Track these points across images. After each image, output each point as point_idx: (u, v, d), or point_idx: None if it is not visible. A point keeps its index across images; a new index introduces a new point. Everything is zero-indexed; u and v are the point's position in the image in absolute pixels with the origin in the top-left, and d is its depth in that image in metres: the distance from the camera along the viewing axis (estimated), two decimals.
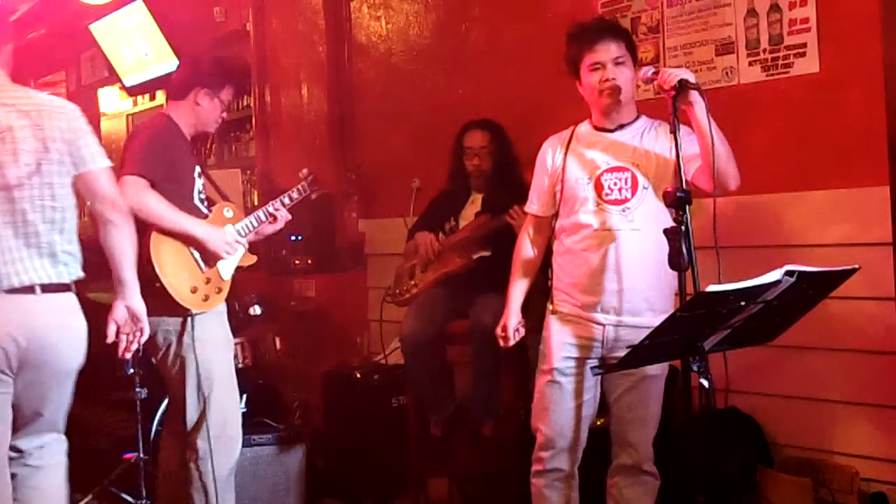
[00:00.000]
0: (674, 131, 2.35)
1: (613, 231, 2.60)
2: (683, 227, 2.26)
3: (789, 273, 1.86)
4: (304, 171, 3.57)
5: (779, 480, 3.08)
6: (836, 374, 3.14)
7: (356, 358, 4.65)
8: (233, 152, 6.35)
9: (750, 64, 3.36)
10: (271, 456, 3.77)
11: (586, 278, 2.64)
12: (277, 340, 4.16)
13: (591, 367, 2.63)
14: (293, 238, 4.82)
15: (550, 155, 2.77)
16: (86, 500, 3.95)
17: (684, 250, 2.25)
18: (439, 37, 4.61)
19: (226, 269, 3.15)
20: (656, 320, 2.58)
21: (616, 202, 2.61)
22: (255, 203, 5.68)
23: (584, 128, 2.76)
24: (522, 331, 2.85)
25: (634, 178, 2.61)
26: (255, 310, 4.25)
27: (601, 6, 3.84)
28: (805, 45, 3.21)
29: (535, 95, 3.83)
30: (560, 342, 2.71)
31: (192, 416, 3.09)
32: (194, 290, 3.02)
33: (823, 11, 3.16)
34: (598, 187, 2.63)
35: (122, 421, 4.62)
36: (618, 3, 3.78)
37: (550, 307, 2.77)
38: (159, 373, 3.23)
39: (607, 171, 2.64)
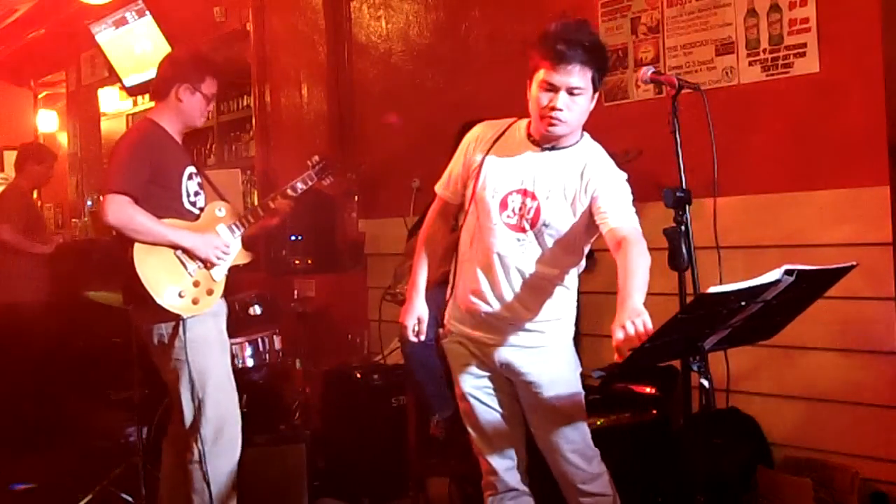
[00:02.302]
0: (673, 131, 2.34)
1: (503, 256, 2.43)
2: (683, 227, 2.26)
3: (788, 272, 1.86)
4: (315, 157, 3.47)
5: (779, 480, 3.07)
6: (837, 374, 3.14)
7: (356, 358, 4.65)
8: (233, 152, 6.36)
9: (750, 64, 3.36)
10: (271, 456, 3.77)
11: (473, 295, 2.50)
12: (277, 340, 4.16)
13: (593, 370, 2.59)
14: (293, 238, 4.82)
15: (475, 145, 2.53)
16: (86, 500, 3.95)
17: (684, 250, 2.25)
18: (439, 37, 4.61)
19: (218, 270, 3.14)
20: (537, 341, 2.52)
21: (513, 228, 2.42)
22: (256, 203, 5.68)
23: (521, 130, 2.50)
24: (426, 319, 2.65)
25: (538, 211, 2.40)
26: (255, 310, 4.25)
27: (601, 6, 3.84)
28: (805, 45, 3.21)
29: None
30: (459, 364, 2.60)
31: (188, 417, 3.09)
32: (182, 295, 3.02)
33: (823, 11, 3.16)
34: (503, 206, 2.42)
35: (122, 421, 4.62)
36: (618, 3, 3.78)
37: (444, 325, 2.62)
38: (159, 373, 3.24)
39: (517, 191, 2.42)
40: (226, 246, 3.14)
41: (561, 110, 2.30)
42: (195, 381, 3.06)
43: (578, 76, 2.28)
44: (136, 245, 2.98)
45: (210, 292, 3.10)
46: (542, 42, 2.33)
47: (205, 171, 3.40)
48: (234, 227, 3.22)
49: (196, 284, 3.06)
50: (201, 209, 3.20)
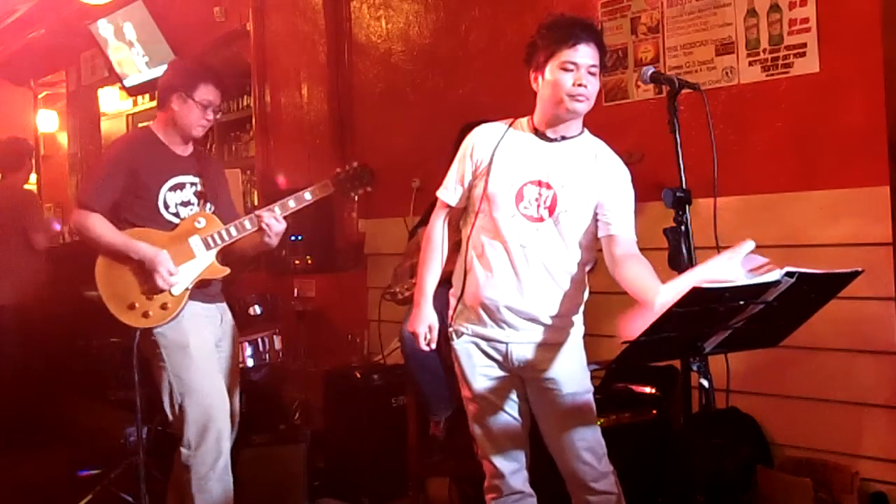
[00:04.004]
0: (673, 131, 2.34)
1: (523, 246, 2.47)
2: (683, 227, 2.26)
3: (789, 274, 1.85)
4: (355, 163, 3.35)
5: (779, 480, 3.07)
6: (837, 374, 3.14)
7: (356, 358, 4.65)
8: (233, 152, 6.36)
9: (750, 64, 3.36)
10: (271, 456, 3.78)
11: (492, 289, 2.50)
12: (277, 340, 4.16)
13: (589, 364, 2.61)
14: (293, 238, 4.82)
15: (479, 146, 2.57)
16: (86, 500, 3.95)
17: (684, 250, 2.25)
18: (439, 37, 4.61)
19: (177, 284, 3.07)
20: (555, 337, 2.53)
21: (531, 218, 2.47)
22: (255, 203, 5.69)
23: (523, 127, 2.57)
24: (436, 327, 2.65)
25: (555, 199, 2.47)
26: (255, 310, 4.25)
27: (601, 6, 3.84)
28: (805, 45, 3.20)
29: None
30: (471, 365, 2.60)
31: (171, 421, 3.12)
32: (132, 307, 3.02)
33: (823, 11, 3.16)
34: (519, 197, 2.48)
35: (121, 421, 4.62)
36: (618, 3, 3.78)
37: (451, 326, 2.61)
38: None
39: (532, 182, 2.48)
40: (170, 273, 3.03)
41: (586, 87, 2.40)
42: (173, 386, 3.07)
43: (593, 56, 2.42)
44: (101, 257, 3.05)
45: (164, 307, 3.05)
46: (556, 29, 2.44)
47: (207, 173, 3.29)
48: (209, 240, 3.14)
49: (150, 298, 3.05)
50: (183, 220, 3.16)
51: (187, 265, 3.10)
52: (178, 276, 3.06)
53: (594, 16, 3.83)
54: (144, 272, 3.03)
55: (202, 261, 3.14)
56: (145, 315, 3.03)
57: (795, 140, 3.26)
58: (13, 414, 5.07)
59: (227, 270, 3.20)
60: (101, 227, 3.04)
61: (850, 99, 3.10)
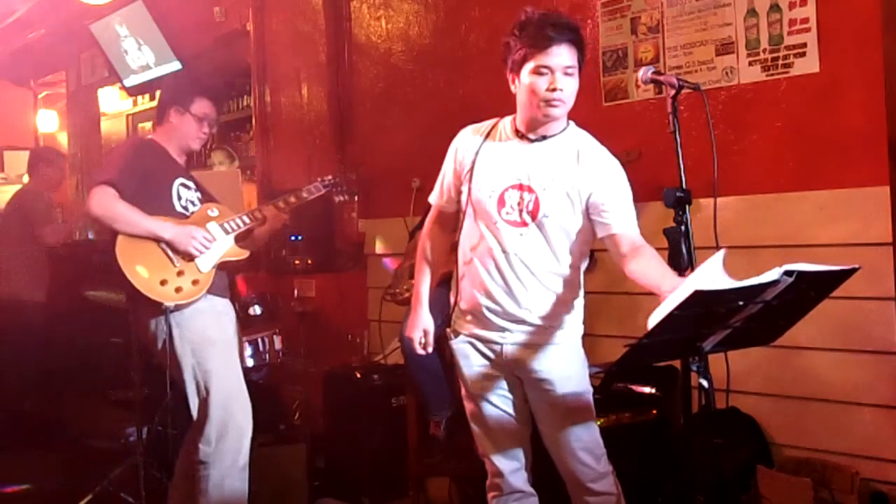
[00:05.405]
0: (673, 131, 2.33)
1: (507, 252, 2.45)
2: (683, 227, 2.26)
3: (788, 273, 1.86)
4: (329, 177, 3.59)
5: (779, 480, 3.07)
6: (836, 374, 3.14)
7: (356, 358, 4.65)
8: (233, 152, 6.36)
9: (750, 64, 3.36)
10: (271, 456, 3.78)
11: (482, 295, 2.50)
12: (277, 340, 4.16)
13: (590, 367, 2.61)
14: (293, 238, 4.83)
15: (462, 150, 2.57)
16: (86, 500, 3.95)
17: (684, 250, 2.25)
18: (439, 37, 4.61)
19: (205, 262, 3.12)
20: (548, 338, 2.51)
21: (514, 223, 2.43)
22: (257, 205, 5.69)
23: (507, 128, 2.52)
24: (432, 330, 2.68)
25: (537, 203, 2.42)
26: (255, 310, 4.25)
27: (601, 6, 3.84)
28: (805, 45, 3.20)
29: None
30: (468, 364, 2.60)
31: (194, 415, 3.12)
32: (164, 283, 3.03)
33: (823, 11, 3.16)
34: (500, 203, 2.44)
35: (122, 421, 4.63)
36: (618, 3, 3.78)
37: (451, 326, 2.64)
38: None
39: (513, 186, 2.44)
40: (206, 239, 3.11)
41: (562, 90, 2.34)
42: (199, 381, 3.08)
43: (569, 55, 2.35)
44: (120, 237, 3.02)
45: (195, 282, 3.08)
46: (527, 32, 2.37)
47: (202, 185, 3.42)
48: (227, 225, 3.22)
49: (180, 274, 3.07)
50: (195, 211, 3.23)
51: (211, 245, 3.15)
52: (206, 254, 3.11)
53: (593, 15, 3.83)
54: (173, 248, 3.06)
55: (223, 243, 3.19)
56: (178, 290, 3.04)
57: (795, 140, 3.26)
58: (13, 414, 5.08)
59: (248, 252, 3.27)
60: (126, 208, 3.01)
61: (850, 99, 3.10)
